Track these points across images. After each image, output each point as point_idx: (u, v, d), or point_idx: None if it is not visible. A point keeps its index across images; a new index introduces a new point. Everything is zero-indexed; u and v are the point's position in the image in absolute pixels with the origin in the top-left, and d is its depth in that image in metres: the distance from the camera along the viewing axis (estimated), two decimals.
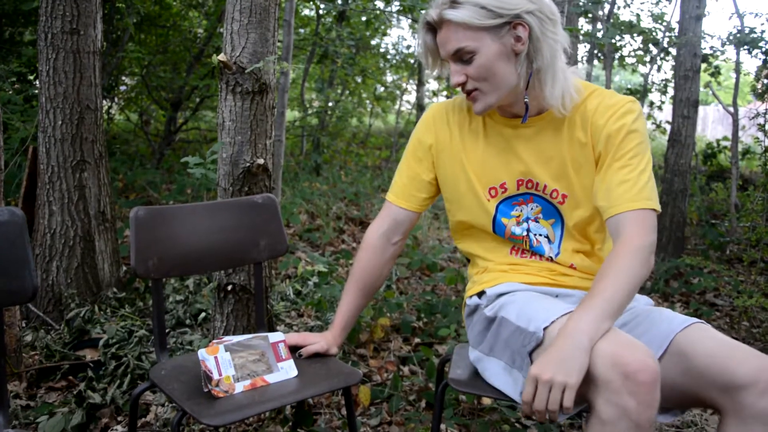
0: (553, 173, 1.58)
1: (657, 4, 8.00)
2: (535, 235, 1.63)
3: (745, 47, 5.18)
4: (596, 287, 1.36)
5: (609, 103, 1.52)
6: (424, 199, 1.73)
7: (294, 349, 1.69)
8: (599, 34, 5.18)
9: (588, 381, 1.23)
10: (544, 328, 1.35)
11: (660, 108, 8.21)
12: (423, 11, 1.59)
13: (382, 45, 10.76)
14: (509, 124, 1.60)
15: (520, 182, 1.61)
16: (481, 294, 1.62)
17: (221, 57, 2.10)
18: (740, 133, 6.07)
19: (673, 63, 6.18)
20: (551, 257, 1.62)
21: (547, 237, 1.64)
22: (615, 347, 1.23)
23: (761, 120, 4.05)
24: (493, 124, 1.63)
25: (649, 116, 8.40)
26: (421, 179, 1.71)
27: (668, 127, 5.73)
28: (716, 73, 6.42)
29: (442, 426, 2.22)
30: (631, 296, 1.37)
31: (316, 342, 1.71)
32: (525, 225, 1.64)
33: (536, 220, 1.64)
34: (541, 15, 1.44)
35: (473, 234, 1.71)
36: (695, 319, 1.44)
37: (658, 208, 1.46)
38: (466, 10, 1.43)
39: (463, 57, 1.48)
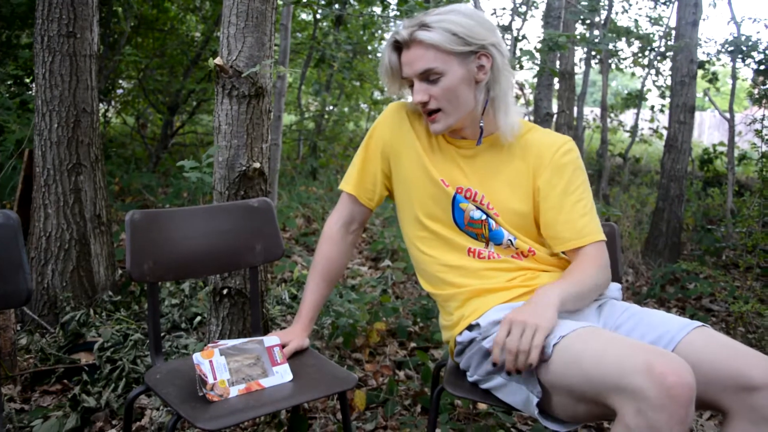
0: (488, 191, 1.66)
1: (654, 8, 8.03)
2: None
3: (740, 56, 5.20)
4: (565, 276, 1.57)
5: (551, 139, 1.68)
6: (372, 192, 1.77)
7: None
8: (596, 40, 5.19)
9: (616, 388, 1.21)
10: (554, 345, 1.36)
11: (662, 111, 8.23)
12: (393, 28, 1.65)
13: (379, 50, 10.77)
14: (454, 143, 1.70)
15: (460, 190, 1.67)
16: (470, 327, 1.61)
17: (218, 61, 2.09)
18: (737, 139, 6.09)
19: (670, 68, 6.20)
20: (511, 241, 1.65)
21: None
22: (648, 355, 1.20)
23: (758, 126, 4.06)
24: (440, 136, 1.71)
25: (652, 119, 8.44)
26: (373, 172, 1.76)
27: (665, 133, 5.74)
28: (714, 79, 6.43)
29: (438, 431, 2.22)
30: (592, 295, 1.58)
31: (290, 340, 1.73)
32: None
33: None
34: (501, 50, 1.58)
35: (430, 233, 1.70)
36: (696, 323, 1.45)
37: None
38: (437, 34, 1.53)
39: (429, 77, 1.57)
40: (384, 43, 1.64)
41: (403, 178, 1.72)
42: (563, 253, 1.69)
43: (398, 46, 1.61)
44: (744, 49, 4.99)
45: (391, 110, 1.76)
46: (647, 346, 1.26)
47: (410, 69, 1.58)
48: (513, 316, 1.40)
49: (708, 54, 6.27)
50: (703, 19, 4.96)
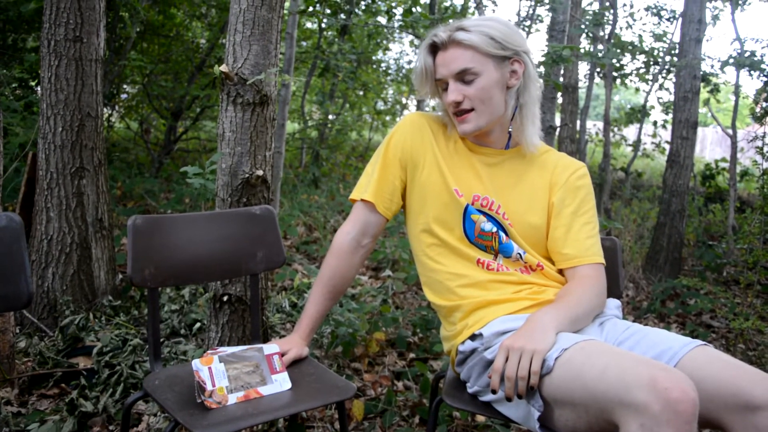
0: (505, 200, 1.68)
1: (659, 24, 8.06)
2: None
3: (746, 68, 5.20)
4: (560, 299, 1.58)
5: (568, 161, 1.76)
6: (390, 201, 1.75)
7: None
8: (600, 54, 5.20)
9: (619, 403, 1.20)
10: (555, 358, 1.36)
11: (664, 127, 8.25)
12: (430, 31, 1.66)
13: (383, 60, 10.80)
14: (477, 151, 1.72)
15: (476, 198, 1.68)
16: (473, 337, 1.61)
17: (223, 68, 2.10)
18: (739, 155, 6.09)
19: (674, 83, 6.22)
20: (520, 254, 1.67)
21: None
22: (652, 370, 1.19)
23: (759, 142, 4.07)
24: (461, 144, 1.73)
25: (654, 135, 8.46)
26: (391, 181, 1.74)
27: (667, 147, 5.75)
28: (715, 90, 6.44)
29: None
30: (587, 318, 1.58)
31: (289, 349, 1.71)
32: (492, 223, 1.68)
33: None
34: (532, 59, 1.66)
35: (440, 241, 1.69)
36: (698, 341, 1.45)
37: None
38: (476, 36, 1.58)
39: (465, 77, 1.61)
40: (420, 46, 1.66)
41: (419, 186, 1.71)
42: (561, 272, 1.70)
43: (434, 50, 1.65)
44: (753, 61, 4.99)
45: (410, 119, 1.76)
46: (650, 360, 1.26)
47: (446, 69, 1.62)
48: (510, 343, 1.40)
49: (712, 66, 6.29)
50: (707, 40, 4.98)
